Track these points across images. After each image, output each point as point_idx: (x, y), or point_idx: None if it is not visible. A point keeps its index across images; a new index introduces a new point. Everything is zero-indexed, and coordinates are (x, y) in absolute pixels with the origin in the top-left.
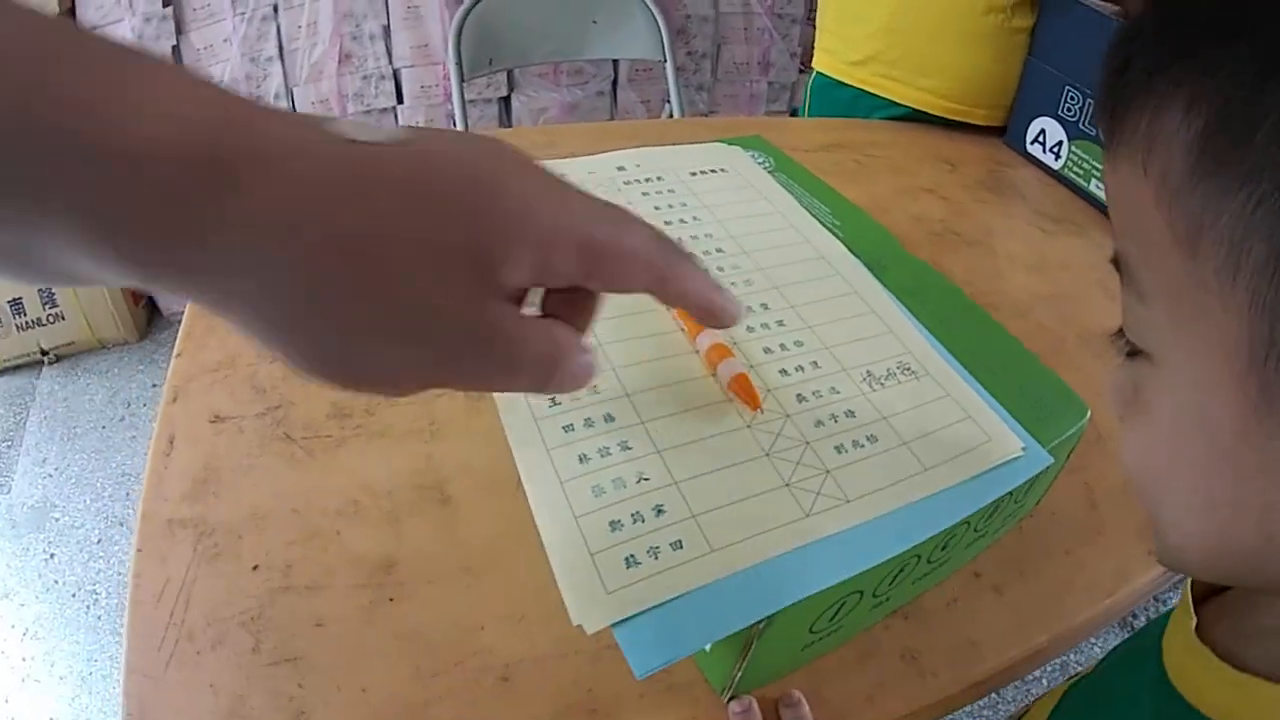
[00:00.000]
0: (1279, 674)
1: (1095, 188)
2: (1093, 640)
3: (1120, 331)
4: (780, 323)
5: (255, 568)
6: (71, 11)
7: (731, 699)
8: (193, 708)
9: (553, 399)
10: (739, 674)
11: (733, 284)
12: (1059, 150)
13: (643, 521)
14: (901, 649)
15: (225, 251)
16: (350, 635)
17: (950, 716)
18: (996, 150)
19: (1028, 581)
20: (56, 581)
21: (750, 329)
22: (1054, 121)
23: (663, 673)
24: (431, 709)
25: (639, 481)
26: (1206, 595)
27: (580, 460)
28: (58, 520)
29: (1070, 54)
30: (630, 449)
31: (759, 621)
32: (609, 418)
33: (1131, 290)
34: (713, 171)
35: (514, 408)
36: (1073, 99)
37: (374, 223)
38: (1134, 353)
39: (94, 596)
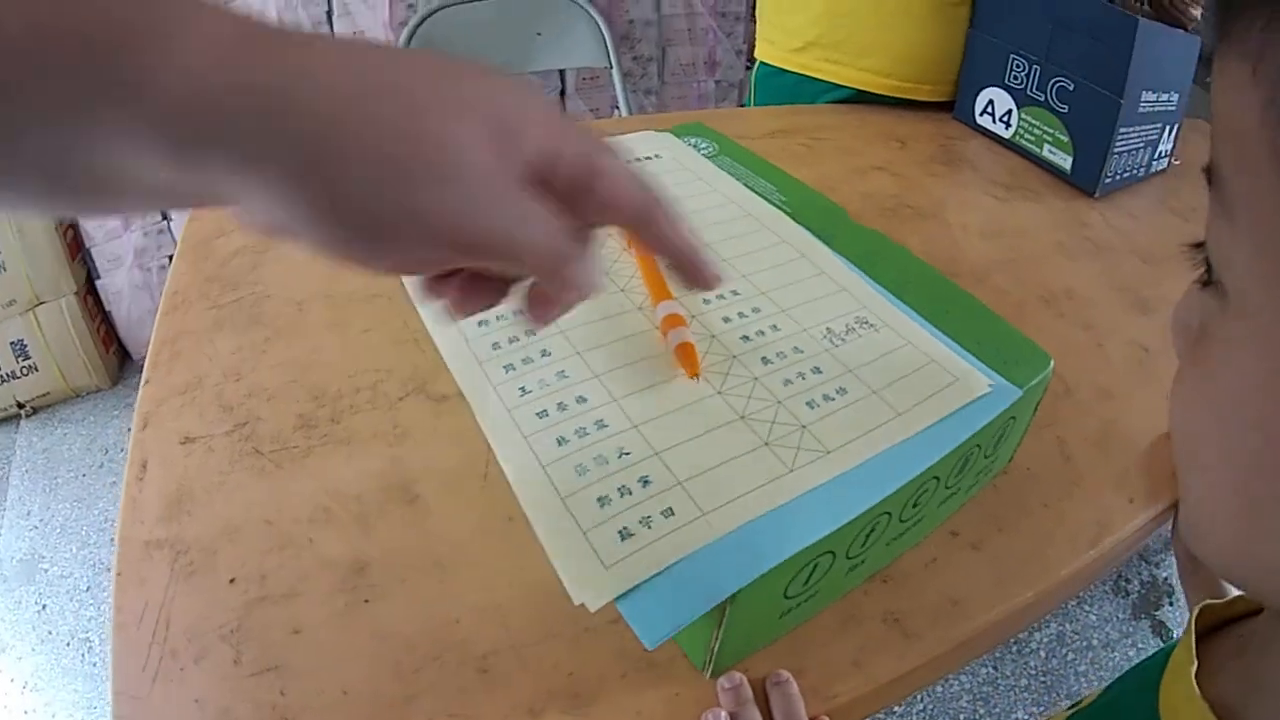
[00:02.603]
0: None
1: (1048, 153)
2: (1088, 608)
3: (1200, 245)
4: (734, 292)
5: (232, 581)
6: None
7: (719, 675)
8: None
9: (523, 388)
10: (717, 645)
11: None
12: (1009, 119)
13: (630, 494)
14: (883, 612)
15: (268, 125)
16: (328, 639)
17: None
18: (946, 125)
19: (1007, 537)
20: (50, 632)
21: (706, 301)
22: (1001, 91)
23: (643, 651)
24: (413, 705)
25: (620, 456)
26: (1212, 626)
27: (559, 443)
28: (47, 571)
29: (1012, 23)
30: (607, 426)
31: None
32: (581, 399)
33: (1219, 204)
34: (649, 158)
35: (487, 402)
36: (1018, 67)
37: (397, 82)
38: (1209, 282)
39: (87, 644)
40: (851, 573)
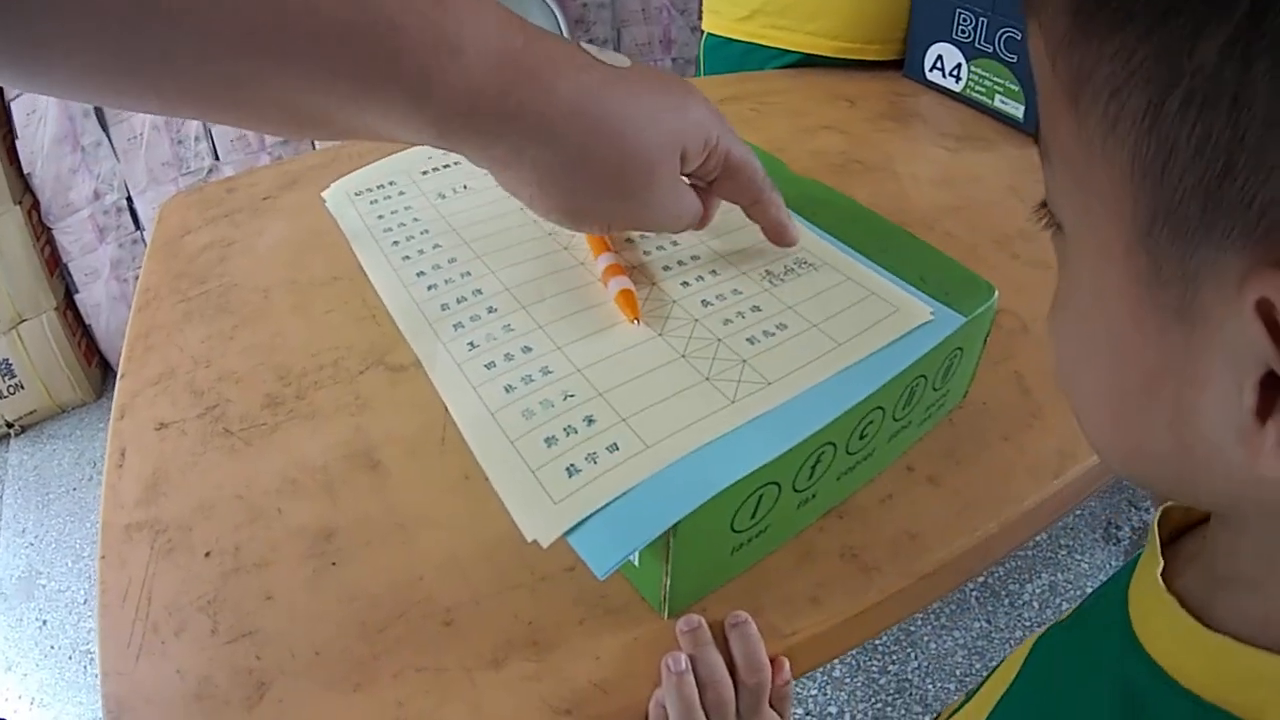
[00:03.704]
0: (1251, 633)
1: (1000, 103)
2: (1079, 557)
3: (1044, 203)
4: (674, 243)
5: (207, 555)
6: None
7: (676, 616)
8: (163, 694)
9: (471, 343)
10: (669, 583)
11: None
12: (958, 73)
13: (576, 433)
14: (840, 548)
15: (522, 128)
16: (299, 604)
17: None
18: (896, 83)
19: (965, 470)
20: (53, 647)
21: (646, 253)
22: (950, 45)
23: (600, 596)
24: (381, 661)
25: (565, 399)
26: (1178, 530)
27: (506, 390)
28: (45, 587)
29: None
30: (551, 372)
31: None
32: (526, 349)
33: (1044, 155)
34: None
35: (438, 359)
36: (965, 20)
37: (624, 114)
38: (1055, 226)
39: (89, 656)
40: (803, 508)
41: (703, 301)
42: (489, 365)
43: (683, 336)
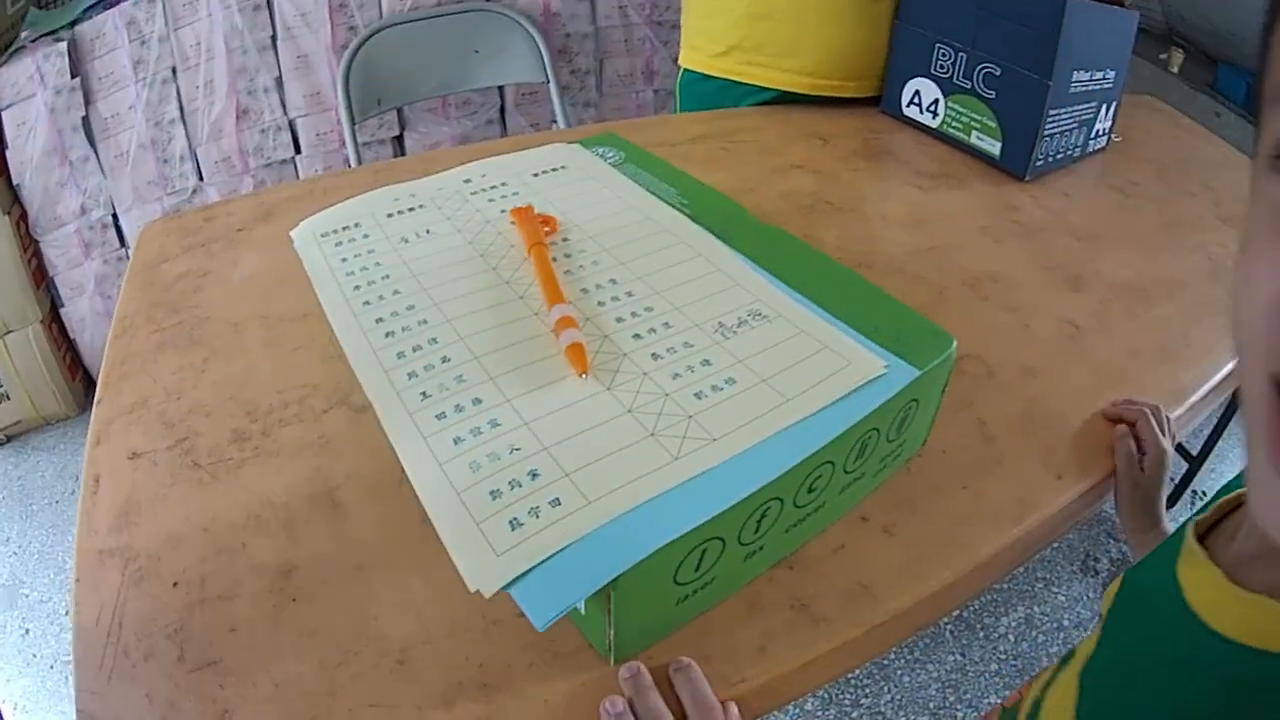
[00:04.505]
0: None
1: (976, 139)
2: (1056, 590)
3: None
4: (630, 294)
5: (175, 585)
6: None
7: (622, 662)
8: (133, 716)
9: (424, 393)
10: (612, 632)
11: (580, 266)
12: (936, 108)
13: (520, 487)
14: (789, 598)
15: None
16: (261, 637)
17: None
18: (872, 120)
19: (921, 520)
20: (35, 655)
21: (601, 303)
22: (928, 81)
23: (549, 641)
24: (337, 696)
25: (511, 452)
26: (1209, 525)
27: (455, 443)
28: (28, 596)
29: (938, 11)
30: (499, 425)
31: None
32: (477, 401)
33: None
34: (554, 170)
35: (391, 406)
36: (944, 55)
37: None
38: None
39: (70, 667)
40: (750, 560)
41: (653, 355)
42: (439, 416)
43: (631, 390)
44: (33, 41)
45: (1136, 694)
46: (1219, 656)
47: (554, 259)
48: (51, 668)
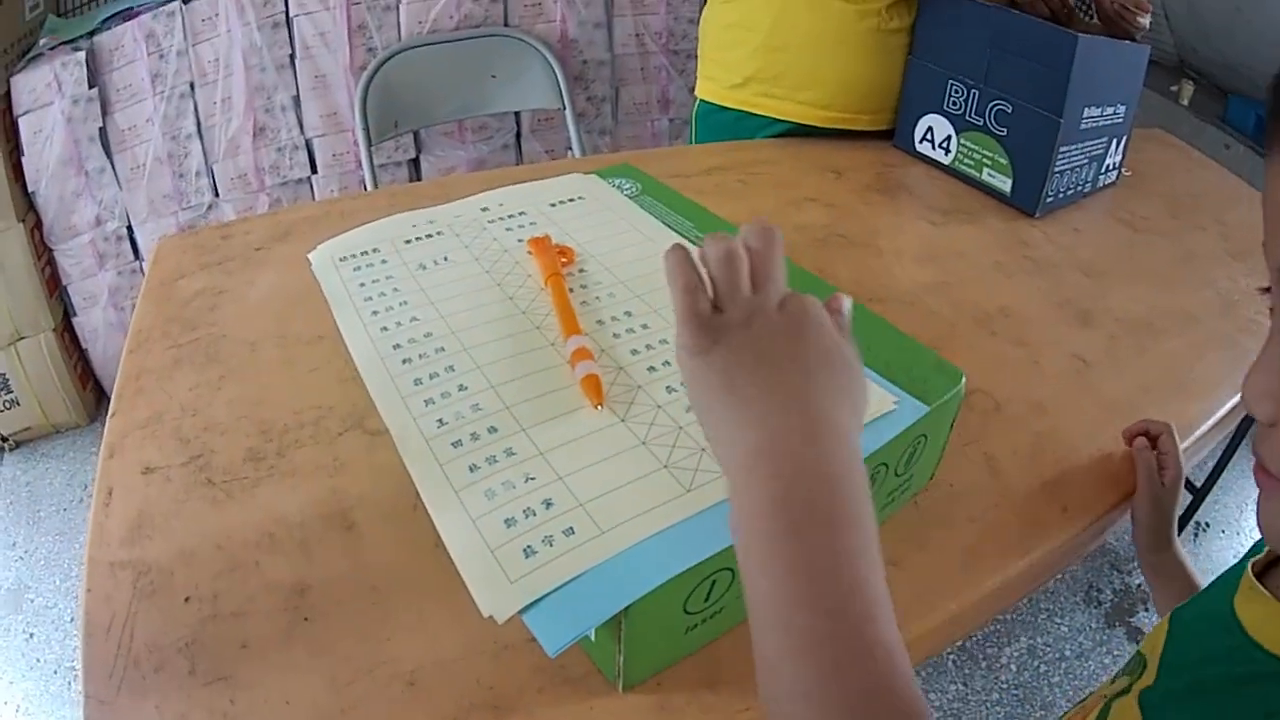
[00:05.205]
0: None
1: (987, 176)
2: (1059, 620)
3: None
4: (645, 326)
5: (187, 599)
6: (6, 95)
7: (630, 688)
8: None
9: (440, 420)
10: (622, 659)
11: (596, 297)
12: (948, 145)
13: (534, 515)
14: None
15: None
16: (272, 654)
17: None
18: (885, 154)
19: (928, 553)
20: (39, 660)
21: (616, 335)
22: (941, 117)
23: (559, 667)
24: (348, 714)
25: (526, 481)
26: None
27: (470, 470)
28: (33, 601)
29: (952, 48)
30: (515, 454)
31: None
32: (492, 429)
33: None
34: (571, 201)
35: (407, 433)
36: (957, 92)
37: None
38: None
39: (73, 673)
40: None
41: (667, 388)
42: (455, 444)
43: (645, 423)
44: (51, 49)
45: (1202, 705)
46: (1258, 663)
47: (570, 290)
48: (55, 672)
